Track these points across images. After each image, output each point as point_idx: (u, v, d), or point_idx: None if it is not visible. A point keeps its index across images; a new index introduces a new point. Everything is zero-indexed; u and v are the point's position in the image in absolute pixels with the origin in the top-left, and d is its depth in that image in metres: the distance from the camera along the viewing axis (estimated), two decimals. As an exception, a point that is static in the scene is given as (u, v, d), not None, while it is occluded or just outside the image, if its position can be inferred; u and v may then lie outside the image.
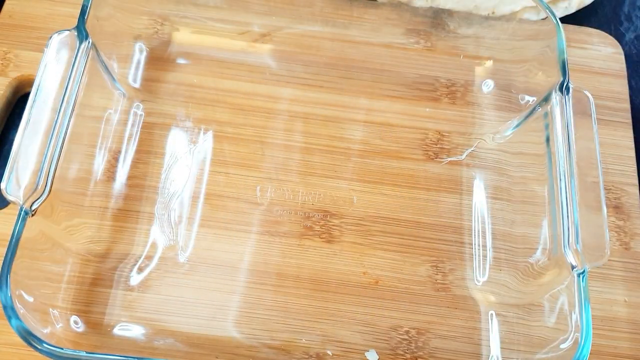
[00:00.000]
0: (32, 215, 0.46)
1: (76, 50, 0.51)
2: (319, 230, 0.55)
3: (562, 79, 0.53)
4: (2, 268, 0.44)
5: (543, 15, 0.57)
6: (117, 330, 0.50)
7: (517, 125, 0.59)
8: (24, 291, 0.45)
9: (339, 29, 0.61)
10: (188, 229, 0.54)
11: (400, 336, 0.52)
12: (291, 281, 0.53)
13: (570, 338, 0.46)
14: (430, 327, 0.52)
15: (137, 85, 0.60)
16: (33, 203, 0.46)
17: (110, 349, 0.49)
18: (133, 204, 0.55)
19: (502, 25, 0.63)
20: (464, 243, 0.56)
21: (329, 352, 0.51)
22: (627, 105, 0.63)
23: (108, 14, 0.55)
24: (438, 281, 0.54)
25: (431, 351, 0.52)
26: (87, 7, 0.52)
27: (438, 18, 0.64)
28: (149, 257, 0.53)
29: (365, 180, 0.57)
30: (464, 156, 0.59)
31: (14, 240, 0.45)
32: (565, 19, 0.66)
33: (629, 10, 0.69)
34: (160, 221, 0.54)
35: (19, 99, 0.61)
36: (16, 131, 0.47)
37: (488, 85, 0.63)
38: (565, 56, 0.54)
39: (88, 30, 0.51)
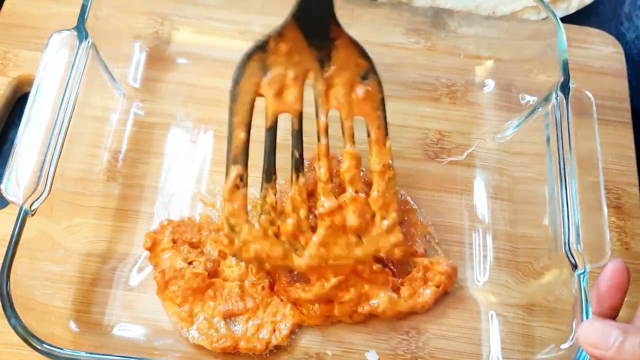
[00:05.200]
0: (32, 215, 0.46)
1: (76, 50, 0.51)
2: (319, 230, 0.55)
3: (562, 78, 0.53)
4: (2, 268, 0.44)
5: (543, 15, 0.57)
6: (116, 331, 0.50)
7: (518, 125, 0.59)
8: (23, 291, 0.45)
9: (339, 28, 0.61)
10: (188, 229, 0.54)
11: (401, 336, 0.52)
12: (291, 281, 0.53)
13: (570, 338, 0.46)
14: (430, 327, 0.52)
15: (137, 85, 0.60)
16: (33, 203, 0.46)
17: (110, 349, 0.49)
18: (133, 204, 0.55)
19: (503, 25, 0.63)
20: (464, 243, 0.56)
21: (329, 352, 0.51)
22: (628, 105, 0.63)
23: (108, 13, 0.55)
24: (438, 281, 0.54)
25: (431, 351, 0.51)
26: (87, 6, 0.52)
27: (438, 18, 0.64)
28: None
29: (365, 180, 0.57)
30: (464, 156, 0.59)
31: (13, 240, 0.45)
32: (566, 19, 0.66)
33: (629, 10, 0.69)
34: (160, 221, 0.54)
35: (19, 98, 0.61)
36: (16, 131, 0.47)
37: (488, 85, 0.63)
38: (566, 56, 0.54)
39: (88, 30, 0.51)
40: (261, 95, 0.48)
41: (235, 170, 0.48)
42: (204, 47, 0.62)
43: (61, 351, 0.43)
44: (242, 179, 0.48)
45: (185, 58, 0.62)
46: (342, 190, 0.50)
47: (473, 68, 0.63)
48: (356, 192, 0.49)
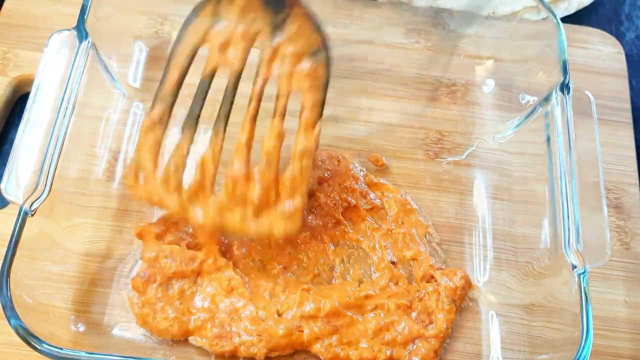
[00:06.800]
0: (32, 215, 0.46)
1: (76, 50, 0.51)
2: (319, 230, 0.55)
3: (562, 78, 0.53)
4: (2, 268, 0.44)
5: (544, 15, 0.57)
6: (116, 331, 0.50)
7: (518, 125, 0.59)
8: (23, 291, 0.45)
9: (339, 28, 0.61)
10: (188, 229, 0.54)
11: (401, 336, 0.52)
12: (291, 281, 0.53)
13: (571, 338, 0.46)
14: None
15: (136, 84, 0.60)
16: (33, 203, 0.46)
17: (110, 349, 0.49)
18: (133, 204, 0.55)
19: (503, 25, 0.63)
20: (464, 243, 0.56)
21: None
22: (628, 105, 0.63)
23: (108, 13, 0.55)
24: (438, 281, 0.54)
25: (431, 351, 0.51)
26: (87, 6, 0.52)
27: (438, 17, 0.64)
28: (149, 257, 0.53)
29: (365, 180, 0.57)
30: (464, 156, 0.59)
31: (13, 240, 0.45)
32: (566, 19, 0.66)
33: (629, 10, 0.69)
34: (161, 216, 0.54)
35: (19, 98, 0.61)
36: (16, 131, 0.47)
37: (488, 85, 0.63)
38: (566, 56, 0.54)
39: (88, 30, 0.51)
40: (206, 44, 0.47)
41: (160, 108, 0.47)
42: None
43: (61, 351, 0.43)
44: (162, 120, 0.47)
45: (185, 58, 0.62)
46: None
47: (473, 68, 0.63)
48: (269, 167, 0.47)
